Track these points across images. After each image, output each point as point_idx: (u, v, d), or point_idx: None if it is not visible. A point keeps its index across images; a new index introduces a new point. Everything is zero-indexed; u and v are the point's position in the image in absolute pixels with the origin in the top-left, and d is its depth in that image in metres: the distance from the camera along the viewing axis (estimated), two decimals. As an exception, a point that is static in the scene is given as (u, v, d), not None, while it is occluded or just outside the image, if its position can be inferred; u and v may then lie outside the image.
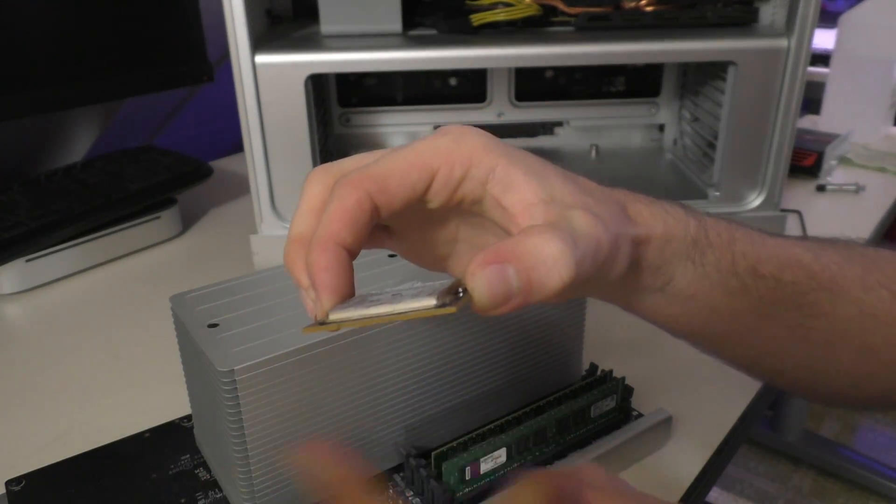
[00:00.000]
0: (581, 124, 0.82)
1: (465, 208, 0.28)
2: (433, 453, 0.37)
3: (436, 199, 0.27)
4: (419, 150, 0.26)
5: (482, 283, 0.23)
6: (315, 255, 0.25)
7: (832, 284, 0.33)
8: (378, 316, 0.24)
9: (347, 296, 0.25)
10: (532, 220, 0.26)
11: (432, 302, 0.23)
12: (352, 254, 0.26)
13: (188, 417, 0.45)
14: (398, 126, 0.81)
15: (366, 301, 0.25)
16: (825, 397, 0.38)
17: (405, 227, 0.31)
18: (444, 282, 0.25)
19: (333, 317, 0.25)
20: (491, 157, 0.26)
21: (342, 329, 0.25)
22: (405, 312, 0.24)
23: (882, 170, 0.94)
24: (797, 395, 0.38)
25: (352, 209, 0.25)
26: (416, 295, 0.24)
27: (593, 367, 0.45)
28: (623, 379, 0.43)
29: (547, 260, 0.23)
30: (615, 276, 0.29)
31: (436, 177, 0.26)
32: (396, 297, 0.25)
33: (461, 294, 0.24)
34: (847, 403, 0.39)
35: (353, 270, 0.25)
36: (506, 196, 0.26)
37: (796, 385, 0.38)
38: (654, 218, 0.31)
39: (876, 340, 0.34)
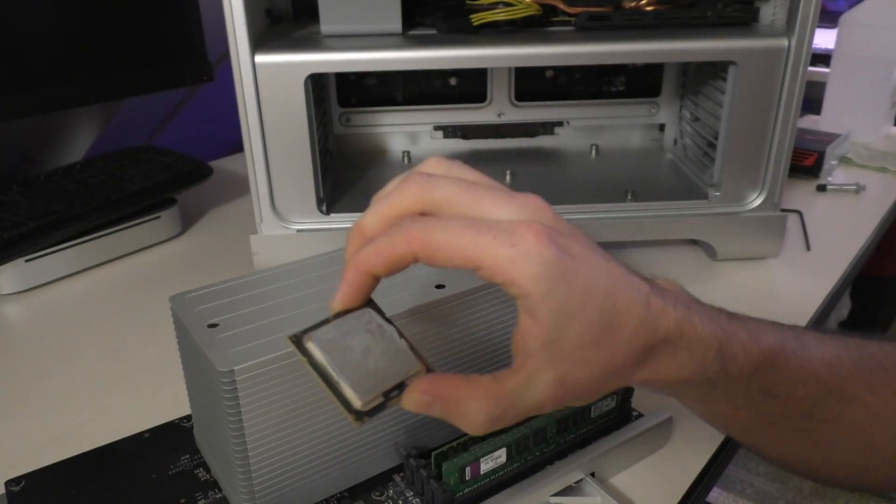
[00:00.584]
0: (581, 124, 0.82)
1: None
2: (433, 453, 0.37)
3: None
4: (480, 243, 0.27)
5: (412, 403, 0.29)
6: (349, 270, 0.29)
7: (841, 391, 0.33)
8: (324, 375, 0.28)
9: (357, 305, 0.30)
10: (522, 349, 0.28)
11: (358, 403, 0.27)
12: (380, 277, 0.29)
13: (188, 417, 0.45)
14: (398, 126, 0.81)
15: (347, 337, 0.29)
16: (825, 482, 0.39)
17: None
18: (411, 363, 0.29)
19: (310, 345, 0.28)
20: (532, 287, 0.27)
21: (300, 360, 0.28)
22: (336, 392, 0.28)
23: (883, 170, 0.94)
24: (797, 475, 0.39)
25: (396, 257, 0.28)
26: (374, 371, 0.28)
27: (593, 367, 0.45)
28: (623, 379, 0.43)
29: (466, 419, 0.28)
30: None
31: (477, 270, 0.27)
32: (365, 354, 0.28)
33: (397, 394, 0.28)
34: (848, 488, 0.40)
35: (375, 286, 0.30)
36: (522, 315, 0.28)
37: (797, 470, 0.38)
38: (671, 366, 0.30)
39: (881, 440, 0.34)
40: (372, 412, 0.28)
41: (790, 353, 0.33)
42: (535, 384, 0.28)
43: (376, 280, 0.29)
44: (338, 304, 0.29)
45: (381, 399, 0.28)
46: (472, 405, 0.28)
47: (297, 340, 0.28)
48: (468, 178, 0.30)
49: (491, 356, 0.41)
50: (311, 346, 0.28)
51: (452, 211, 0.29)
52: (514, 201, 0.28)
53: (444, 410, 0.28)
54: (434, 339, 0.38)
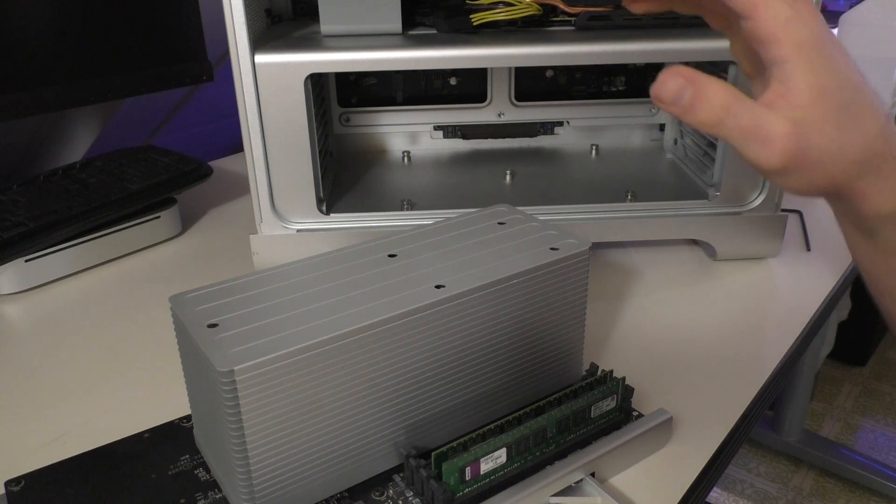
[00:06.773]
0: (581, 124, 0.82)
1: None
2: (433, 453, 0.37)
3: None
4: None
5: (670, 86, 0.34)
6: None
7: None
8: None
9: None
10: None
11: None
12: None
13: (188, 417, 0.45)
14: (398, 126, 0.81)
15: None
16: None
17: None
18: None
19: None
20: (794, 53, 0.30)
21: None
22: None
23: (882, 170, 0.94)
24: None
25: None
26: None
27: (594, 367, 0.45)
28: (623, 379, 0.43)
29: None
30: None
31: (746, 20, 0.32)
32: None
33: None
34: None
35: None
36: (773, 84, 0.31)
37: None
38: (890, 195, 0.32)
39: None
40: None
41: None
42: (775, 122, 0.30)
43: None
44: None
45: None
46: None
47: None
48: None
49: (491, 356, 0.41)
50: None
51: None
52: None
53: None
54: (434, 340, 0.38)
